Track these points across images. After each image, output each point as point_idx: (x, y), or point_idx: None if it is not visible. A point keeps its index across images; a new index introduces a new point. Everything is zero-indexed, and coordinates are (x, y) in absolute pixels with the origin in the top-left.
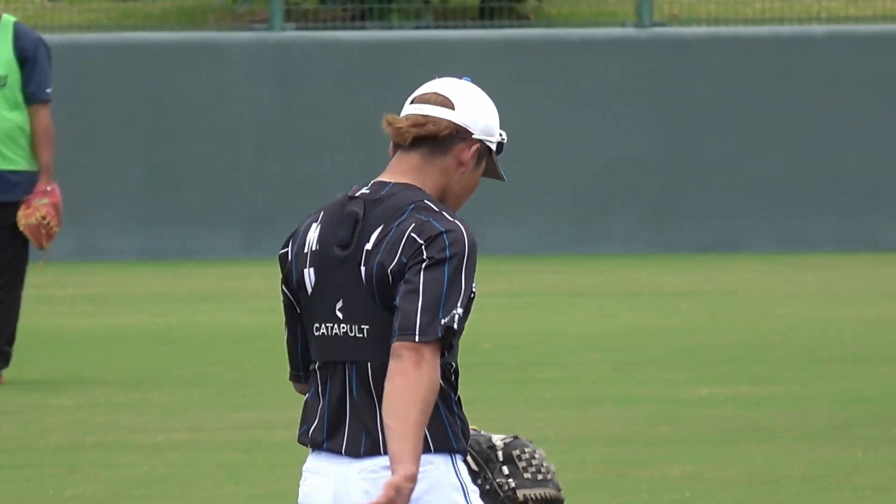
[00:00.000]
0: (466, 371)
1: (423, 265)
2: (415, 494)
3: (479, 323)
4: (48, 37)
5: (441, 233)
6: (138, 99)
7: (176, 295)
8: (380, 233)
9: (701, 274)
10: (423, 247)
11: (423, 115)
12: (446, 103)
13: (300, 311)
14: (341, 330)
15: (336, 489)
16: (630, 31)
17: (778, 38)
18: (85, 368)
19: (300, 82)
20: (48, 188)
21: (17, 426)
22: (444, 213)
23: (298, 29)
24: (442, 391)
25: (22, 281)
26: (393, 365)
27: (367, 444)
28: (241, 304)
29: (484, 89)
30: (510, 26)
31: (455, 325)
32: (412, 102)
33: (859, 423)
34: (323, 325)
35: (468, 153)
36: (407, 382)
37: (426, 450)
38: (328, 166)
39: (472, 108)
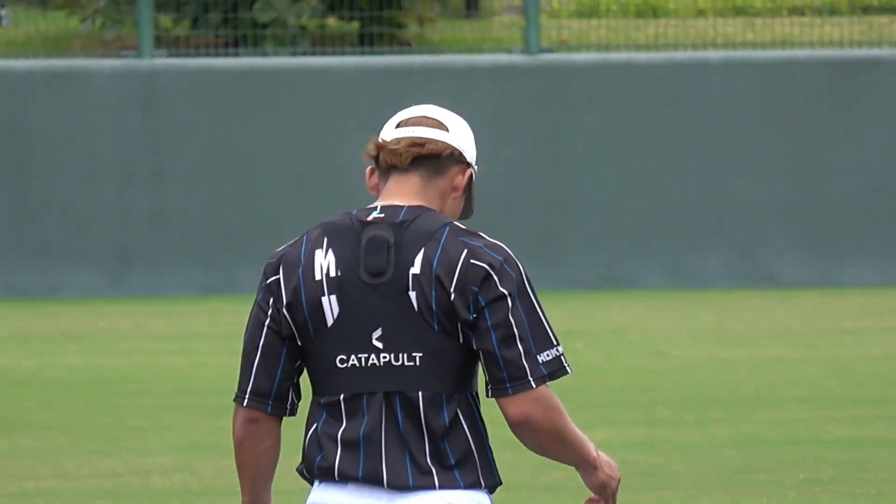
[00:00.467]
0: None
1: (508, 303)
2: None
3: None
4: None
5: (502, 262)
6: None
7: (41, 334)
8: (423, 257)
9: (591, 312)
10: (495, 280)
11: (420, 137)
12: (440, 126)
13: (302, 341)
14: (381, 359)
15: None
16: (517, 58)
17: (672, 64)
18: None
19: (170, 111)
20: None
21: None
22: (482, 235)
23: (169, 56)
24: (481, 424)
25: None
26: (518, 428)
27: (417, 476)
28: (107, 344)
29: (358, 115)
30: (391, 52)
31: (558, 353)
32: (398, 126)
33: (759, 468)
34: (353, 356)
35: (462, 178)
36: (547, 436)
37: (477, 486)
38: (197, 198)
39: (463, 133)
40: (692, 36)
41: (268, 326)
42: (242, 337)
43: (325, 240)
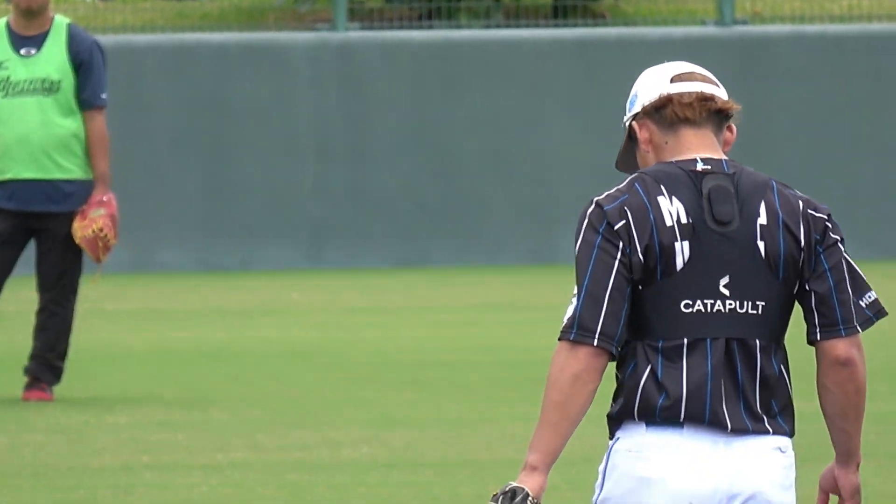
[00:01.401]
0: (538, 386)
1: (841, 249)
2: (791, 481)
3: (553, 336)
4: (100, 38)
5: (829, 213)
6: (195, 103)
7: (235, 308)
8: (767, 208)
9: None
10: (829, 227)
11: (707, 92)
12: (713, 82)
13: (644, 285)
14: (727, 306)
15: (720, 468)
16: (711, 30)
17: (867, 36)
18: (140, 385)
19: (365, 84)
20: (104, 198)
21: (69, 445)
22: (797, 190)
23: (363, 29)
24: (790, 376)
25: (76, 294)
26: (843, 370)
27: (752, 421)
28: (302, 317)
29: (556, 90)
30: (584, 25)
31: (875, 295)
32: (675, 81)
33: None
34: (698, 301)
35: (733, 132)
36: (857, 387)
37: (793, 433)
38: (393, 173)
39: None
40: (887, 7)
41: (617, 270)
42: (576, 278)
43: (663, 187)
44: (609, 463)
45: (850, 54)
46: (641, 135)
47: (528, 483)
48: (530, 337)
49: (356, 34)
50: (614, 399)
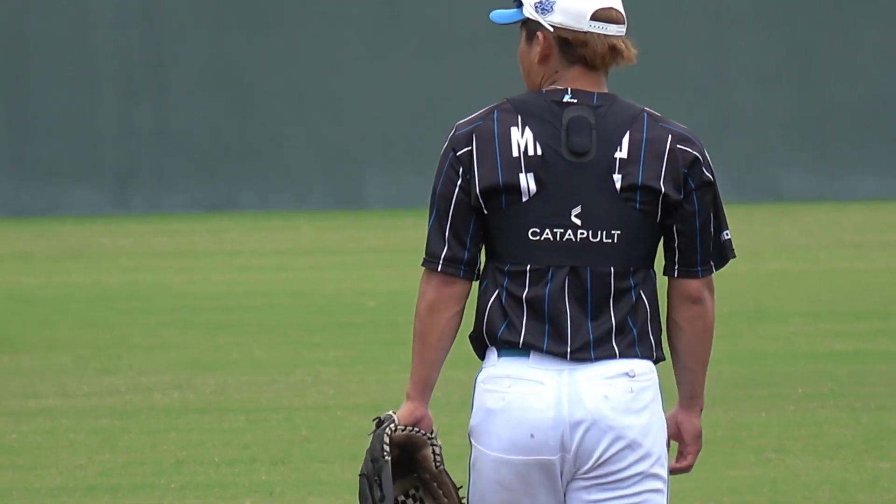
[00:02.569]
0: (348, 331)
1: (712, 190)
2: (644, 403)
3: (361, 281)
4: None
5: (703, 149)
6: None
7: (42, 253)
8: (630, 140)
9: None
10: (702, 165)
11: (617, 41)
12: (624, 21)
13: (489, 211)
14: (578, 235)
15: (561, 395)
16: None
17: None
18: None
19: (166, 24)
20: None
21: None
22: (675, 122)
23: None
24: (656, 301)
25: None
26: (694, 307)
27: (598, 349)
28: (110, 262)
29: (360, 30)
30: None
31: (728, 235)
32: (594, 19)
33: (759, 383)
34: (547, 230)
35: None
36: (706, 325)
37: (650, 357)
38: (199, 115)
39: None
40: None
41: (457, 196)
42: (429, 207)
43: (519, 117)
44: (473, 393)
45: None
46: (542, 47)
47: (400, 411)
48: (339, 282)
49: None
50: (475, 321)
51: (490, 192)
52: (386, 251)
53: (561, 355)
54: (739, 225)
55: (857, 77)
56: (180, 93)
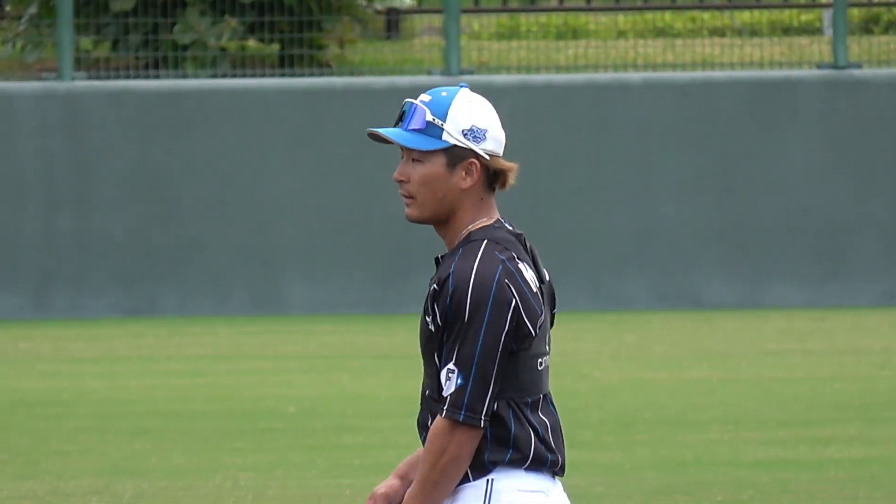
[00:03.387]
0: (267, 436)
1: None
2: None
3: (280, 386)
4: None
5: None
6: None
7: None
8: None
9: None
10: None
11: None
12: None
13: (518, 352)
14: (546, 362)
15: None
16: (437, 79)
17: (593, 86)
18: None
19: (92, 133)
20: None
21: None
22: None
23: (89, 78)
24: None
25: None
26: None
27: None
28: (29, 366)
29: (282, 139)
30: (311, 74)
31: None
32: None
33: (680, 490)
34: (543, 359)
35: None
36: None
37: None
38: (120, 221)
39: None
40: (613, 57)
41: (503, 346)
42: (478, 359)
43: (515, 254)
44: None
45: (575, 103)
46: (472, 176)
47: None
48: (259, 387)
49: (82, 83)
50: (497, 447)
51: (528, 334)
52: (306, 357)
53: (559, 474)
54: (660, 333)
55: (778, 188)
56: (102, 198)
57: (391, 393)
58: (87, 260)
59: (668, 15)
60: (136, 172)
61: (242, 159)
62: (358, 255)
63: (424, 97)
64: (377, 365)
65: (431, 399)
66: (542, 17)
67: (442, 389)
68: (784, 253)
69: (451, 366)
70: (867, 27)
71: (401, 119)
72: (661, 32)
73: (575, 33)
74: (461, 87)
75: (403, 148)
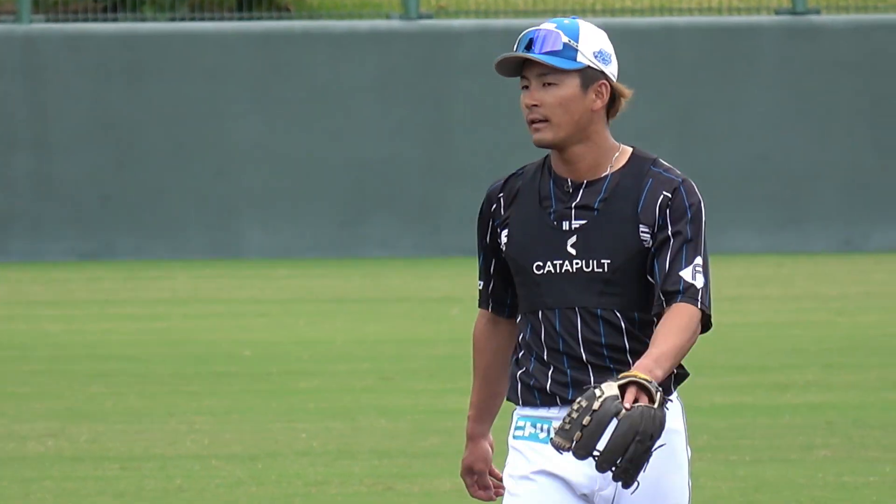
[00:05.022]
0: (223, 380)
1: None
2: None
3: (237, 330)
4: None
5: None
6: None
7: None
8: None
9: (470, 278)
10: None
11: None
12: None
13: None
14: None
15: None
16: (396, 24)
17: None
18: None
19: (50, 76)
20: None
21: None
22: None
23: (48, 21)
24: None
25: None
26: None
27: None
28: None
29: (240, 84)
30: (269, 18)
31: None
32: None
33: None
34: None
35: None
36: None
37: None
38: (78, 165)
39: None
40: (571, 2)
41: None
42: (707, 263)
43: None
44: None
45: None
46: (602, 97)
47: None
48: (215, 331)
49: (40, 26)
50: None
51: None
52: (262, 301)
53: None
54: None
55: (737, 135)
56: (60, 142)
57: (347, 337)
58: (44, 204)
59: None
60: (94, 116)
61: (200, 104)
62: (315, 200)
63: (549, 25)
64: (333, 309)
65: (624, 317)
66: None
67: (645, 306)
68: (743, 200)
69: (698, 262)
70: None
71: (528, 47)
72: None
73: None
74: (574, 18)
75: (534, 74)
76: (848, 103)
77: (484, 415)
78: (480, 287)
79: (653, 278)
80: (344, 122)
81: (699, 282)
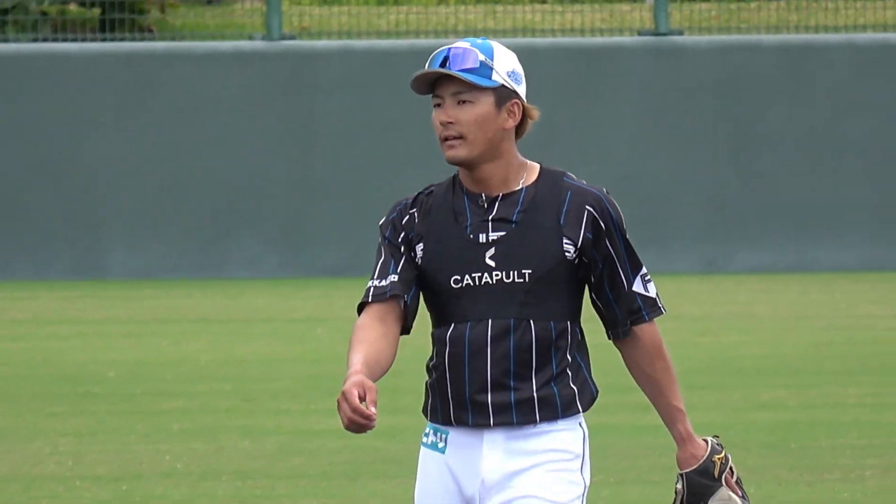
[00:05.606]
0: (87, 401)
1: None
2: None
3: (101, 351)
4: None
5: None
6: None
7: None
8: None
9: (334, 299)
10: None
11: None
12: None
13: None
14: None
15: None
16: (258, 44)
17: (414, 51)
18: None
19: None
20: None
21: None
22: None
23: None
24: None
25: None
26: None
27: None
28: None
29: (104, 104)
30: (132, 39)
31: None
32: None
33: None
34: None
35: None
36: None
37: None
38: None
39: None
40: (434, 23)
41: None
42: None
43: None
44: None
45: (397, 69)
46: (514, 116)
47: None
48: (79, 351)
49: None
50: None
51: None
52: (127, 321)
53: None
54: None
55: (599, 155)
56: None
57: (211, 357)
58: None
59: None
60: None
61: (64, 124)
62: (179, 220)
63: (463, 44)
64: (196, 329)
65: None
66: None
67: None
68: None
69: (643, 272)
70: None
71: (443, 64)
72: None
73: (397, 0)
74: (484, 38)
75: (448, 92)
76: (711, 124)
77: (367, 371)
78: (374, 284)
79: (601, 299)
80: (208, 142)
81: (651, 291)
